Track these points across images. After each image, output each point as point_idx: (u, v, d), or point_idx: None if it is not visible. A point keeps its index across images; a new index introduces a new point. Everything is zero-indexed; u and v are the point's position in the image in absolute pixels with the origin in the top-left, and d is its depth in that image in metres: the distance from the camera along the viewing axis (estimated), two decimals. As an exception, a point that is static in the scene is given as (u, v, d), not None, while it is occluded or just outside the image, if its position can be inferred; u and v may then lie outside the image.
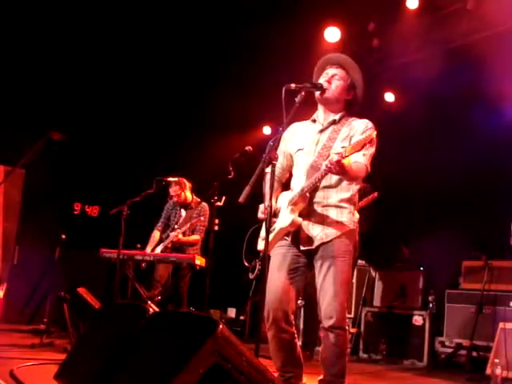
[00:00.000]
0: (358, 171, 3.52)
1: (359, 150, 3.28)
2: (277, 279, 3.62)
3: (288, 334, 3.59)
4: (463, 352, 6.48)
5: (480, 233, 6.99)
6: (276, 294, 3.58)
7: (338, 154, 3.25)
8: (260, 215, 3.73)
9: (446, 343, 6.83)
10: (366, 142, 3.27)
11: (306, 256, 3.66)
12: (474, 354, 6.28)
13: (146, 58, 8.33)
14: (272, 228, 3.67)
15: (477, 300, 6.47)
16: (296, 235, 3.66)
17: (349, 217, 3.64)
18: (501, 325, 5.93)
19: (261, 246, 3.83)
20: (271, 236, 3.63)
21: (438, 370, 6.52)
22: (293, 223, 3.60)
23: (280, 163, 3.88)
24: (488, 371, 5.57)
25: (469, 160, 7.19)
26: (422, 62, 7.24)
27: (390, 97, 8.46)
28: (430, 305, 7.06)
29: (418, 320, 6.97)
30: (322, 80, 3.74)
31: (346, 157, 3.25)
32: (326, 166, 3.32)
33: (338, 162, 3.24)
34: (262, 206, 3.71)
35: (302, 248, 3.65)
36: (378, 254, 7.70)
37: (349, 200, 3.67)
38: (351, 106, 3.82)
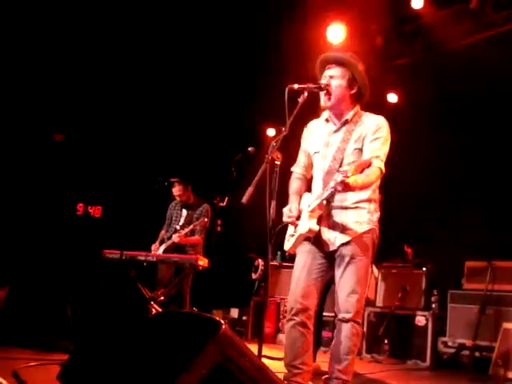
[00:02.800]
0: (368, 179, 3.52)
1: (361, 171, 3.29)
2: (301, 275, 3.70)
3: (306, 329, 3.63)
4: (466, 352, 6.48)
5: (483, 233, 6.98)
6: (299, 288, 3.66)
7: (342, 172, 3.27)
8: (285, 219, 3.76)
9: (449, 343, 6.81)
10: (366, 166, 3.28)
11: (327, 257, 3.72)
12: (477, 354, 6.28)
13: (148, 57, 8.32)
14: (294, 231, 3.76)
15: (480, 300, 6.48)
16: (317, 238, 3.71)
17: (367, 217, 3.68)
18: (504, 325, 5.93)
19: (286, 247, 3.88)
20: (293, 240, 3.75)
21: (441, 370, 6.53)
22: (310, 231, 3.65)
23: (303, 162, 3.99)
24: (491, 371, 5.56)
25: (472, 160, 7.19)
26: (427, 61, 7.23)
27: (392, 97, 8.46)
28: (433, 305, 7.06)
29: (420, 320, 6.96)
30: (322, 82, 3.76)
31: (350, 176, 3.26)
32: (331, 187, 3.37)
33: (342, 181, 3.28)
34: (285, 210, 3.75)
35: (324, 250, 3.70)
36: (380, 254, 7.68)
37: (368, 200, 3.70)
38: (359, 98, 3.82)
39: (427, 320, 6.92)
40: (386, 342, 7.10)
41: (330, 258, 3.70)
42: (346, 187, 3.34)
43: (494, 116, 7.11)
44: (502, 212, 7.06)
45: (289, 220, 3.72)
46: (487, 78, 6.94)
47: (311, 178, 3.94)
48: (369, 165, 3.32)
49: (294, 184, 3.94)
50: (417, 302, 7.19)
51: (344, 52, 3.92)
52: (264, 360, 2.73)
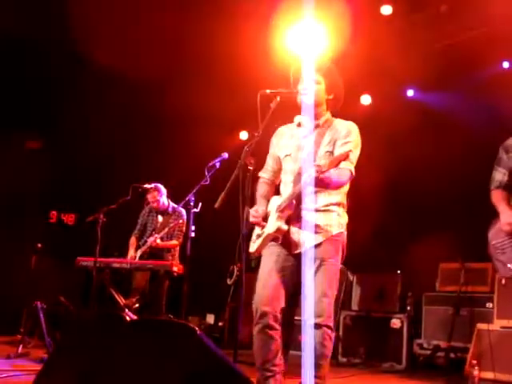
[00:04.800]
0: (340, 179, 3.59)
1: (337, 165, 3.32)
2: (267, 277, 3.66)
3: (273, 331, 3.60)
4: (441, 354, 6.53)
5: (456, 235, 7.04)
6: (266, 290, 3.62)
7: (316, 167, 3.30)
8: (251, 219, 3.74)
9: (424, 345, 6.86)
10: (343, 158, 3.32)
11: (295, 258, 3.69)
12: (452, 355, 6.33)
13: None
14: (261, 232, 3.74)
15: (454, 302, 6.53)
16: (285, 239, 3.69)
17: (337, 220, 3.69)
18: (478, 326, 6.00)
19: (252, 248, 3.85)
20: (260, 240, 3.72)
21: (417, 371, 6.56)
22: (278, 230, 3.63)
23: (271, 167, 3.98)
24: (466, 372, 5.62)
25: (445, 164, 7.26)
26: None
27: (366, 99, 8.52)
28: (408, 307, 7.10)
29: (396, 323, 7.00)
30: (300, 86, 3.78)
31: (325, 171, 3.29)
32: (304, 181, 3.40)
33: (317, 177, 3.31)
34: (251, 211, 3.73)
35: (292, 252, 3.69)
36: (355, 258, 7.71)
37: (337, 204, 3.71)
38: (333, 105, 3.86)
39: (402, 323, 6.96)
40: (361, 345, 7.13)
41: (297, 259, 3.67)
42: (320, 182, 3.38)
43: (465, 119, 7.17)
44: (475, 214, 7.12)
45: (255, 220, 3.70)
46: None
47: (279, 183, 3.95)
48: (346, 157, 3.36)
49: (262, 188, 3.95)
50: (392, 305, 7.23)
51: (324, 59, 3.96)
52: (239, 365, 2.72)
